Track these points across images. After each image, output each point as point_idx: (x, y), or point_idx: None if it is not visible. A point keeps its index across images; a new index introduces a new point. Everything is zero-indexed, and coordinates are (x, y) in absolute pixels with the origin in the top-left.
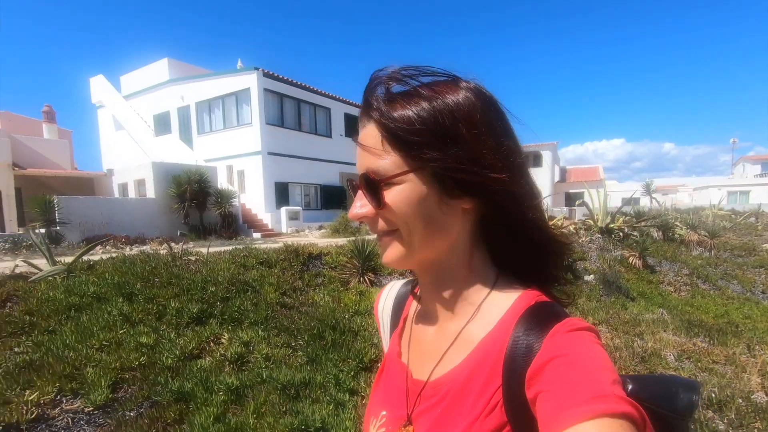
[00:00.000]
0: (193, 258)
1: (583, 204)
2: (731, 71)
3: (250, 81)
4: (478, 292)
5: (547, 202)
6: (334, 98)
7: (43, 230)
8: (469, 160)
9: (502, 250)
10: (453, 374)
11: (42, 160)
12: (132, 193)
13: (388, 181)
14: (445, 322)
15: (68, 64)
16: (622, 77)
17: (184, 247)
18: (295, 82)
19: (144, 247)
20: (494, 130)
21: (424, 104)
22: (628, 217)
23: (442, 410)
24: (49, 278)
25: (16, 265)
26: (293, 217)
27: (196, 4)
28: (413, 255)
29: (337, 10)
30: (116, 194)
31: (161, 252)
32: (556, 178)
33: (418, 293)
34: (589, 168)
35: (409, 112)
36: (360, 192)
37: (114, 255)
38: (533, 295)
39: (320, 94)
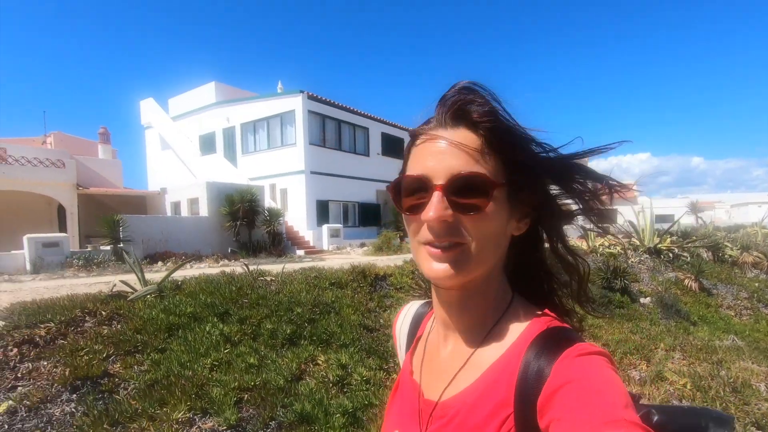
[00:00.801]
0: (269, 278)
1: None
2: (764, 81)
3: (295, 103)
4: (495, 314)
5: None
6: (373, 118)
7: (108, 247)
8: (541, 189)
9: (521, 273)
10: (462, 396)
11: (98, 179)
12: (184, 212)
13: (494, 186)
14: (459, 343)
15: (115, 87)
16: (648, 90)
17: (259, 267)
18: (336, 103)
19: (201, 264)
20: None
21: (515, 125)
22: (674, 237)
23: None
24: (145, 297)
25: (114, 285)
26: (334, 234)
27: (239, 28)
28: (470, 273)
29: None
30: (168, 212)
31: (227, 270)
32: None
33: (433, 315)
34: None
35: (515, 127)
36: (439, 194)
37: (197, 274)
38: (546, 320)
39: (359, 114)
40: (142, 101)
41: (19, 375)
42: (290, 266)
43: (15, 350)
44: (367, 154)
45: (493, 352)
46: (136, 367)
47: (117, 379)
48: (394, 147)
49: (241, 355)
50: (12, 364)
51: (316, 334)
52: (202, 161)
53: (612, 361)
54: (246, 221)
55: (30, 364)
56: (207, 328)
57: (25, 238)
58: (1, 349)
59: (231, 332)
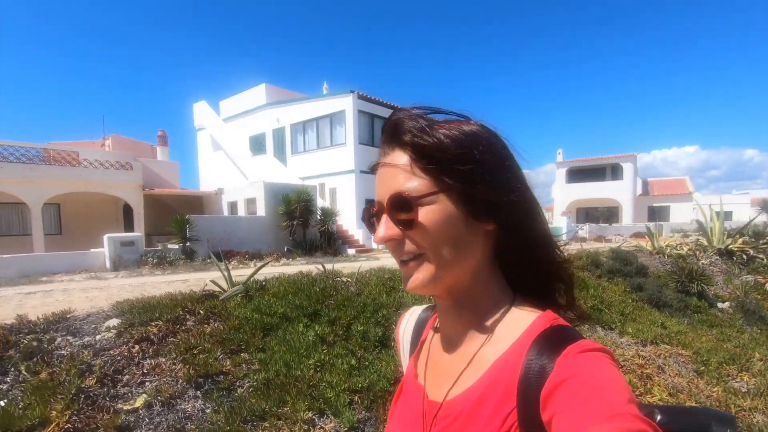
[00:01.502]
0: (345, 279)
1: (698, 223)
2: None
3: (345, 103)
4: (494, 315)
5: (627, 216)
6: None
7: (176, 245)
8: (492, 181)
9: (517, 273)
10: (466, 395)
11: (158, 180)
12: (241, 211)
13: (421, 199)
14: (462, 344)
15: (170, 92)
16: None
17: (333, 267)
18: (384, 102)
19: (262, 263)
20: (506, 156)
21: (448, 132)
22: (746, 237)
23: (454, 431)
24: (234, 297)
25: (206, 284)
26: None
27: (287, 30)
28: (440, 280)
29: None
30: (225, 212)
31: (289, 269)
32: (638, 192)
33: (436, 318)
34: (675, 180)
35: (437, 134)
36: (385, 215)
37: (275, 274)
38: (549, 319)
39: None
40: (195, 104)
41: (144, 371)
42: (350, 265)
43: (137, 347)
44: None
45: (495, 351)
46: (244, 365)
47: (231, 377)
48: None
49: (339, 356)
50: (136, 360)
51: None
52: (252, 162)
53: (614, 359)
54: (302, 221)
55: (151, 361)
56: (300, 329)
57: (105, 238)
58: (125, 346)
59: (324, 333)
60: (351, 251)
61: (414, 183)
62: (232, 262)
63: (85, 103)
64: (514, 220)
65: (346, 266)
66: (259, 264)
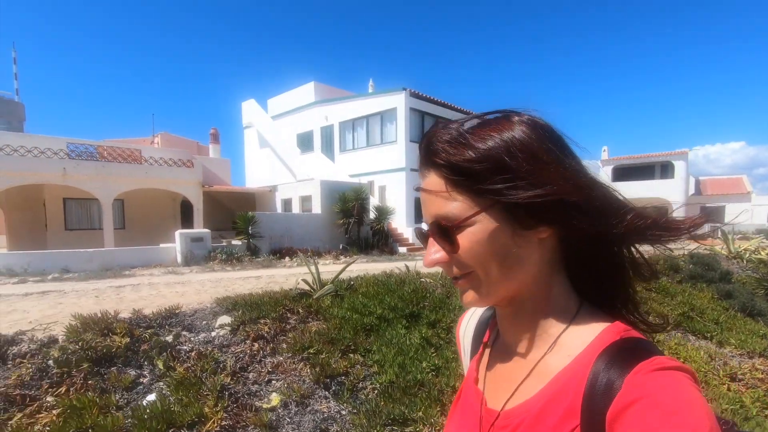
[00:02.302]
0: (428, 280)
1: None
2: None
3: (397, 101)
4: (557, 324)
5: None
6: (469, 113)
7: (239, 241)
8: (534, 187)
9: (584, 277)
10: (526, 406)
11: (211, 177)
12: (295, 208)
13: (460, 224)
14: (524, 352)
15: (217, 91)
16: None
17: (407, 266)
18: (436, 99)
19: (325, 260)
20: (553, 155)
21: (482, 143)
22: None
23: None
24: (325, 296)
25: (298, 282)
26: None
27: (334, 29)
28: (492, 294)
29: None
30: (279, 209)
31: (370, 268)
32: (691, 191)
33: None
34: (731, 179)
35: (469, 151)
36: (431, 239)
37: (359, 273)
38: (619, 329)
39: (456, 110)
40: (243, 102)
41: (268, 369)
42: (411, 264)
43: (256, 345)
44: None
45: (559, 362)
46: (358, 366)
47: (352, 378)
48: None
49: (451, 360)
50: (258, 357)
51: None
52: (300, 159)
53: (695, 379)
54: (357, 219)
55: (272, 359)
56: (401, 331)
57: (177, 233)
58: (243, 343)
59: (428, 336)
60: (402, 249)
61: (451, 207)
62: (295, 259)
63: (136, 101)
64: (569, 220)
65: (408, 265)
66: (318, 261)
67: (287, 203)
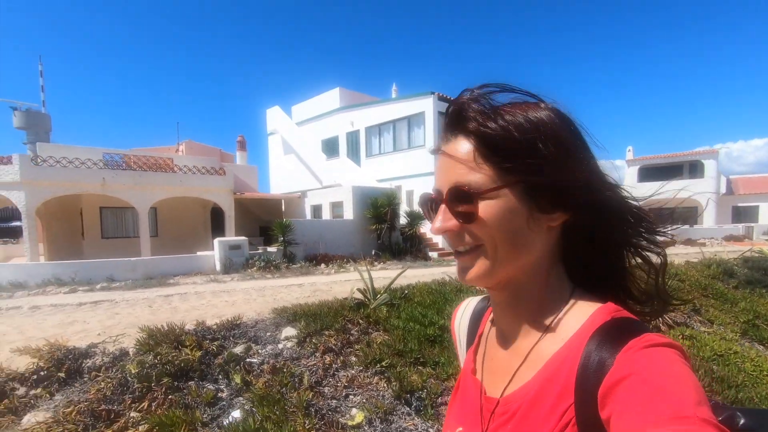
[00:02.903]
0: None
1: None
2: None
3: (425, 105)
4: (552, 309)
5: (709, 218)
6: None
7: (274, 248)
8: (560, 174)
9: (580, 265)
10: (523, 391)
11: (240, 184)
12: (326, 215)
13: (483, 194)
14: (519, 339)
15: (241, 99)
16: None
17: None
18: None
19: (362, 267)
20: (578, 147)
21: (513, 119)
22: None
23: (512, 428)
24: (381, 305)
25: (353, 292)
26: None
27: (357, 36)
28: (496, 272)
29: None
30: (308, 215)
31: (410, 275)
32: (722, 190)
33: (491, 311)
34: (764, 177)
35: (502, 123)
36: (443, 206)
37: (412, 281)
38: (610, 310)
39: None
40: (268, 109)
41: (344, 383)
42: (447, 270)
43: (328, 358)
44: None
45: (553, 346)
46: (432, 380)
47: (431, 393)
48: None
49: None
50: (331, 371)
51: None
52: (326, 165)
53: (685, 355)
54: (389, 224)
55: (344, 373)
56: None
57: (215, 242)
58: (315, 356)
59: None
60: (433, 254)
61: (476, 176)
62: (331, 266)
63: (161, 111)
64: (582, 213)
65: (445, 271)
66: (349, 267)
67: (317, 209)
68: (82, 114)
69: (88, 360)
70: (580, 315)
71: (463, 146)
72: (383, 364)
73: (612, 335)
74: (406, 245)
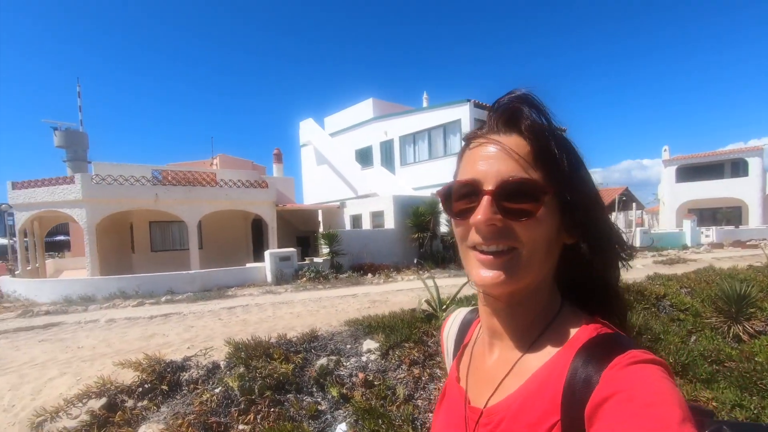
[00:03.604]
0: None
1: None
2: None
3: (461, 113)
4: (541, 322)
5: (755, 217)
6: None
7: (320, 259)
8: (589, 195)
9: (573, 283)
10: (507, 402)
11: (278, 196)
12: (366, 224)
13: (547, 194)
14: (505, 350)
15: (272, 112)
16: None
17: None
18: None
19: (408, 276)
20: (592, 178)
21: (562, 135)
22: None
23: None
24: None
25: (420, 303)
26: None
27: (388, 45)
28: (521, 280)
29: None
30: (347, 225)
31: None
32: None
33: (480, 322)
34: None
35: (558, 133)
36: (488, 198)
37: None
38: (597, 327)
39: None
40: (301, 122)
41: (433, 396)
42: None
43: (415, 370)
44: None
45: (539, 359)
46: None
47: None
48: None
49: None
50: (421, 384)
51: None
52: (361, 174)
53: (669, 371)
54: (431, 233)
55: (435, 385)
56: None
57: (266, 253)
58: (401, 369)
59: None
60: None
61: (536, 175)
62: (379, 276)
63: (195, 126)
64: (596, 239)
65: None
66: (398, 277)
67: (356, 219)
68: (118, 131)
69: (184, 373)
70: (568, 329)
71: (520, 143)
72: None
73: (598, 351)
74: (448, 253)
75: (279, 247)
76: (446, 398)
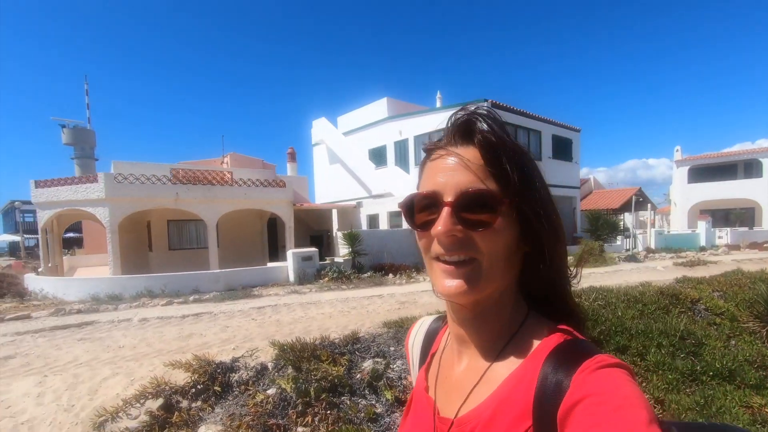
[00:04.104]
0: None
1: None
2: None
3: None
4: (510, 329)
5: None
6: (545, 120)
7: (341, 259)
8: (544, 202)
9: (537, 290)
10: (478, 411)
11: (294, 195)
12: (383, 224)
13: (504, 204)
14: (474, 359)
15: (282, 112)
16: None
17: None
18: (515, 108)
19: (423, 276)
20: (546, 186)
21: (517, 145)
22: None
23: None
24: None
25: None
26: None
27: (403, 45)
28: (483, 289)
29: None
30: (364, 225)
31: None
32: None
33: (447, 330)
34: None
35: (511, 143)
36: (447, 209)
37: None
38: (563, 333)
39: (534, 117)
40: (314, 120)
41: None
42: None
43: None
44: (539, 158)
45: (508, 366)
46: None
47: None
48: (563, 149)
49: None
50: None
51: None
52: (375, 174)
53: (632, 374)
54: None
55: None
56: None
57: (289, 253)
58: None
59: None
60: None
61: (489, 186)
62: (401, 276)
63: (204, 125)
64: (550, 247)
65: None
66: (419, 277)
67: (373, 219)
68: (130, 128)
69: (233, 374)
70: (535, 336)
71: (475, 156)
72: None
73: (566, 357)
74: None
75: (294, 246)
76: (413, 408)
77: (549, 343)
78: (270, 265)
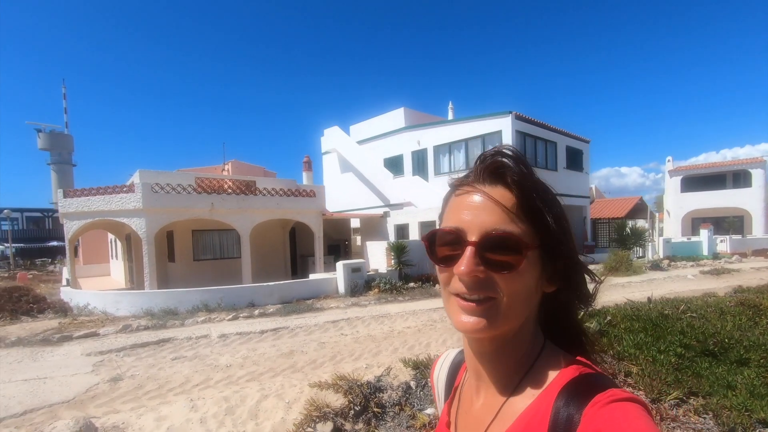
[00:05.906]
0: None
1: None
2: None
3: (502, 124)
4: (525, 364)
5: (758, 227)
6: (561, 132)
7: (384, 270)
8: (570, 247)
9: (555, 324)
10: None
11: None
12: (414, 235)
13: (530, 248)
14: (491, 394)
15: (284, 121)
16: None
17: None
18: (536, 120)
19: None
20: (570, 227)
21: (547, 188)
22: None
23: None
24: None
25: None
26: None
27: (416, 56)
28: (500, 327)
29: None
30: (391, 236)
31: None
32: None
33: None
34: None
35: (542, 186)
36: (471, 248)
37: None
38: (578, 367)
39: (551, 129)
40: (326, 129)
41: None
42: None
43: None
44: (555, 168)
45: (524, 401)
46: (708, 414)
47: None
48: (575, 159)
49: None
50: None
51: None
52: (392, 183)
53: (648, 410)
54: None
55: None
56: (724, 370)
57: (339, 264)
58: None
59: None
60: None
61: (519, 227)
62: (430, 284)
63: (203, 132)
64: (576, 288)
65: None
66: None
67: (401, 229)
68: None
69: (382, 394)
70: (550, 370)
71: (505, 195)
72: (672, 396)
73: (579, 391)
74: None
75: (305, 254)
76: None
77: (563, 376)
78: (319, 276)
